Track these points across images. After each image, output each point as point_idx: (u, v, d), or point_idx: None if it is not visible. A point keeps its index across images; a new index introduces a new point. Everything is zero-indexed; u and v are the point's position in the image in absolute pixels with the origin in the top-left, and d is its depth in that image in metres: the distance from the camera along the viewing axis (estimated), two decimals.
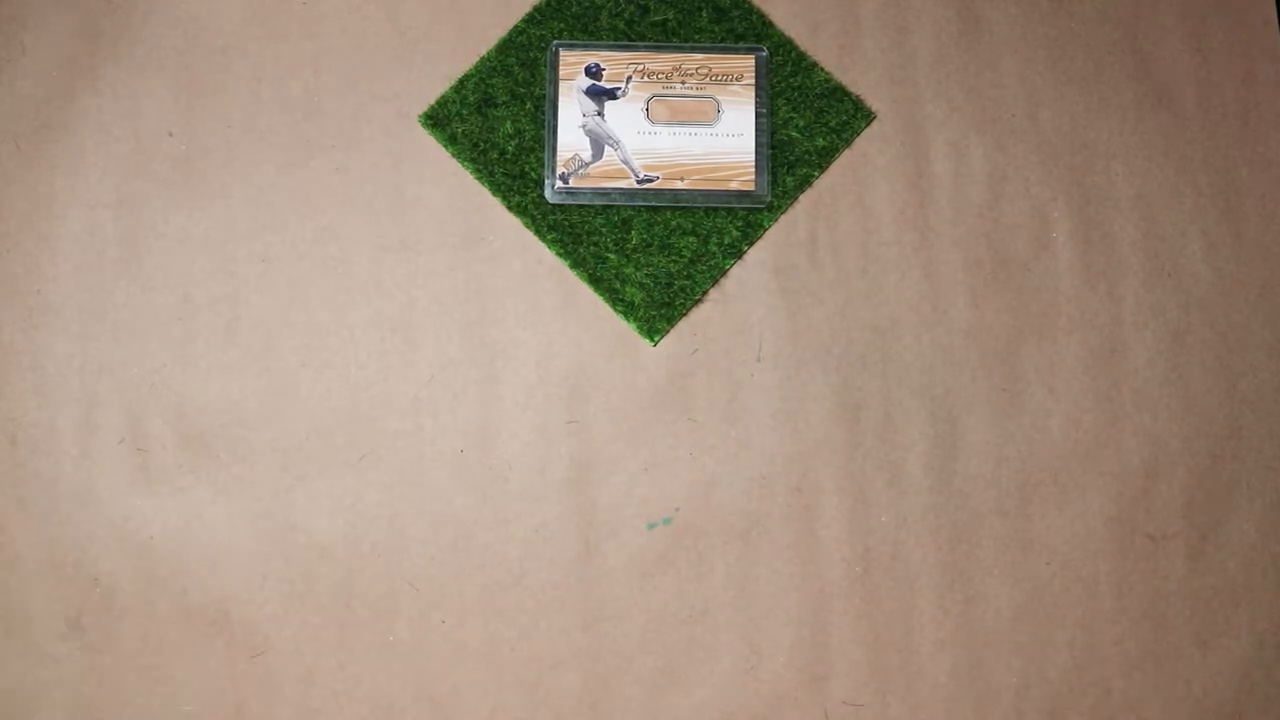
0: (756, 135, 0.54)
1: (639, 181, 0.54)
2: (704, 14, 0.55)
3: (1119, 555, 0.54)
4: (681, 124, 0.54)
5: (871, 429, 0.54)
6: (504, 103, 0.54)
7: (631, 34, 0.55)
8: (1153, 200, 0.56)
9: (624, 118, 0.54)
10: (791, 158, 0.55)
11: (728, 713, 0.52)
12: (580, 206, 0.54)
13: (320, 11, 0.55)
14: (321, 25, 0.55)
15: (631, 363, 0.54)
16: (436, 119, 0.54)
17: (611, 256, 0.54)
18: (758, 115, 0.54)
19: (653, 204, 0.54)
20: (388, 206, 0.54)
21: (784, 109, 0.55)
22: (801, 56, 0.55)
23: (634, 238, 0.54)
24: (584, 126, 0.54)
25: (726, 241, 0.54)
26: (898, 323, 0.54)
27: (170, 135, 0.54)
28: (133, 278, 0.53)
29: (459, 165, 0.54)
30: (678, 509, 0.53)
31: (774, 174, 0.55)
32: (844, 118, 0.55)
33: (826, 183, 0.55)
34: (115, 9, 0.54)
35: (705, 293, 0.54)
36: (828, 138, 0.55)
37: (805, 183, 0.55)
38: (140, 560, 0.52)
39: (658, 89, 0.54)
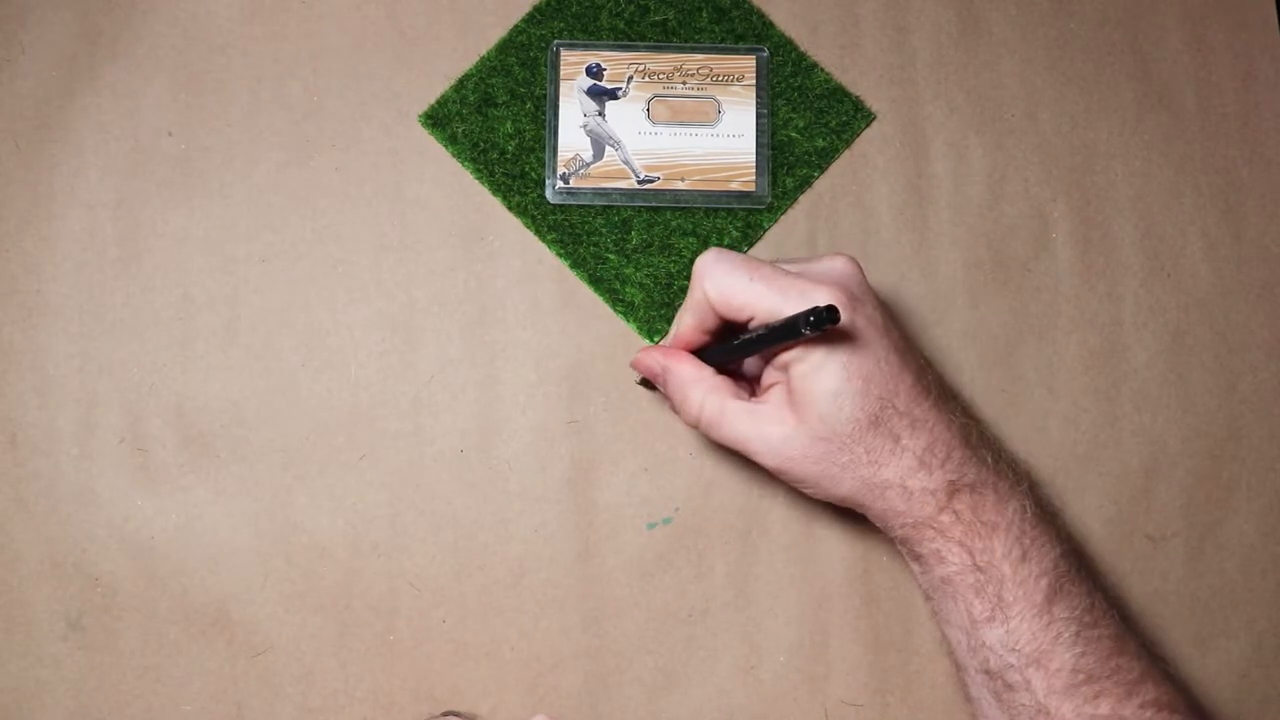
0: (757, 136, 0.54)
1: (640, 182, 0.54)
2: (704, 14, 0.55)
3: (1118, 555, 0.54)
4: (682, 124, 0.54)
5: None
6: (504, 103, 0.54)
7: (632, 34, 0.55)
8: (1153, 200, 0.56)
9: (625, 118, 0.54)
10: (791, 158, 0.55)
11: (728, 713, 0.52)
12: (580, 206, 0.54)
13: (320, 11, 0.55)
14: (321, 25, 0.55)
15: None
16: (436, 119, 0.54)
17: (611, 257, 0.54)
18: (759, 116, 0.54)
19: (653, 204, 0.54)
20: (388, 206, 0.54)
21: (784, 109, 0.55)
22: (801, 57, 0.55)
23: (634, 238, 0.54)
24: (585, 126, 0.54)
25: (726, 242, 0.54)
26: (896, 323, 0.54)
27: (169, 135, 0.54)
28: (133, 277, 0.53)
29: (459, 165, 0.54)
30: (678, 509, 0.53)
31: (774, 175, 0.55)
32: (844, 118, 0.55)
33: (826, 183, 0.55)
34: (115, 9, 0.54)
35: None
36: (828, 138, 0.55)
37: (805, 183, 0.55)
38: (140, 560, 0.52)
39: (658, 89, 0.54)
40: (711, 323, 0.46)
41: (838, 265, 0.46)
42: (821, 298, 0.42)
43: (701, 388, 0.46)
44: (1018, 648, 0.43)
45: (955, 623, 0.45)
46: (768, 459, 0.45)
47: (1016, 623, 0.43)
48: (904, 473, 0.44)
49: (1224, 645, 0.54)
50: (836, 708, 0.53)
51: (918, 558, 0.46)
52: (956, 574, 0.44)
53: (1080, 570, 0.46)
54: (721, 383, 0.46)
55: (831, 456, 0.44)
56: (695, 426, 0.47)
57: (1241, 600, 0.54)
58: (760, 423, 0.44)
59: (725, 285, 0.44)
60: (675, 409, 0.48)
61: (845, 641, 0.53)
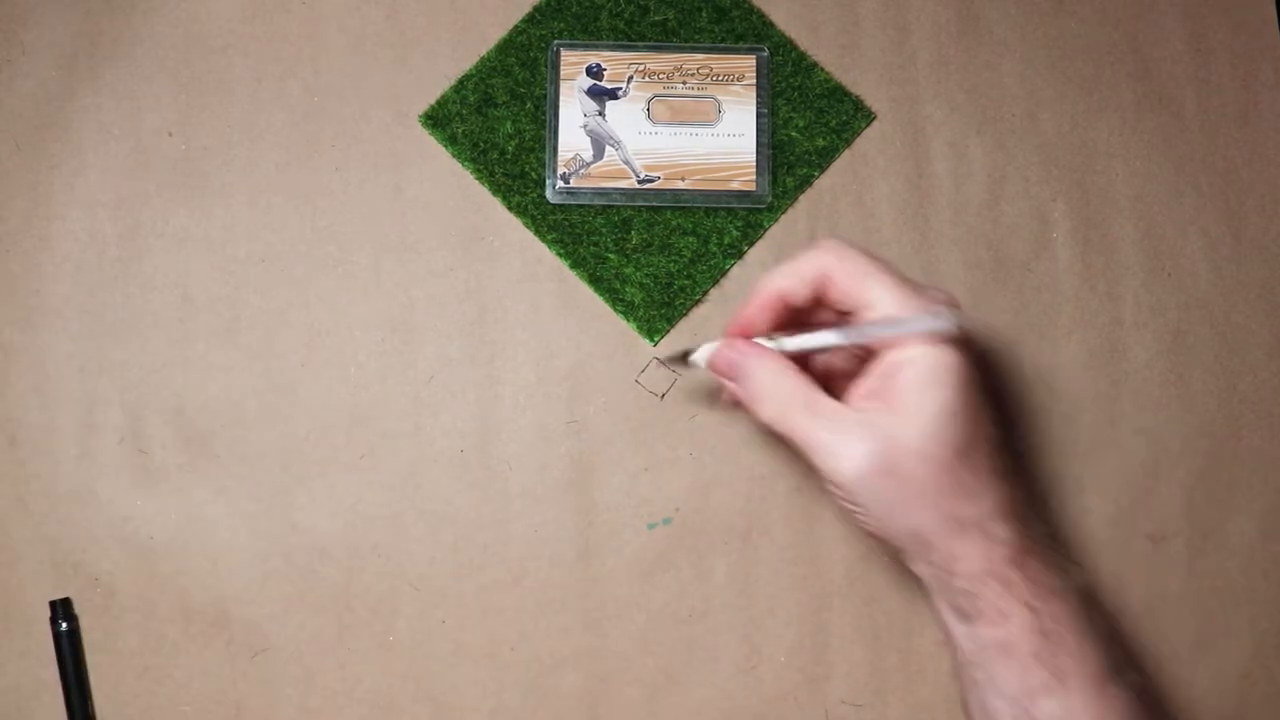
0: (758, 135, 0.54)
1: (640, 181, 0.54)
2: (704, 14, 0.55)
3: (1119, 555, 0.54)
4: (683, 124, 0.54)
5: None
6: (504, 103, 0.54)
7: (631, 34, 0.55)
8: (1153, 200, 0.56)
9: (625, 118, 0.54)
10: (791, 158, 0.55)
11: (728, 713, 0.52)
12: (580, 206, 0.54)
13: (320, 11, 0.55)
14: (321, 25, 0.55)
15: (631, 363, 0.54)
16: (436, 119, 0.54)
17: (611, 256, 0.54)
18: (759, 115, 0.54)
19: (653, 204, 0.54)
20: (388, 206, 0.54)
21: (784, 109, 0.55)
22: (801, 56, 0.55)
23: (634, 238, 0.54)
24: (585, 126, 0.54)
25: (726, 241, 0.54)
26: None
27: (170, 135, 0.54)
28: (133, 277, 0.53)
29: (459, 165, 0.54)
30: (678, 509, 0.53)
31: (774, 174, 0.55)
32: (844, 118, 0.55)
33: (826, 183, 0.55)
34: (115, 9, 0.54)
35: (705, 293, 0.54)
36: (828, 138, 0.55)
37: (805, 183, 0.55)
38: (140, 560, 0.52)
39: (659, 89, 0.54)
40: (799, 299, 0.44)
41: (942, 297, 0.44)
42: (939, 305, 0.41)
43: (789, 384, 0.43)
44: None
45: (1004, 692, 0.42)
46: (845, 466, 0.41)
47: (1075, 695, 0.41)
48: (985, 515, 0.41)
49: (1224, 645, 0.54)
50: (836, 708, 0.53)
51: (972, 616, 0.42)
52: (1017, 636, 0.42)
53: (1131, 649, 0.44)
54: (810, 383, 0.43)
55: (923, 479, 0.41)
56: (773, 424, 0.43)
57: (1241, 600, 0.54)
58: (853, 428, 0.41)
59: (854, 269, 0.42)
60: (748, 404, 0.45)
61: (845, 641, 0.53)
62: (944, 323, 0.38)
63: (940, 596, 0.44)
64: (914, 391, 0.41)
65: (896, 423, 0.41)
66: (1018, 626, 0.42)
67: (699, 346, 0.48)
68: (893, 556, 0.51)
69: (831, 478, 0.42)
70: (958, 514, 0.41)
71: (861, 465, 0.41)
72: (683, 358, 0.49)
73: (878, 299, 0.42)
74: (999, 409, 0.54)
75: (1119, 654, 0.43)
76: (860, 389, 0.43)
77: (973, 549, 0.42)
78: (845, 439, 0.41)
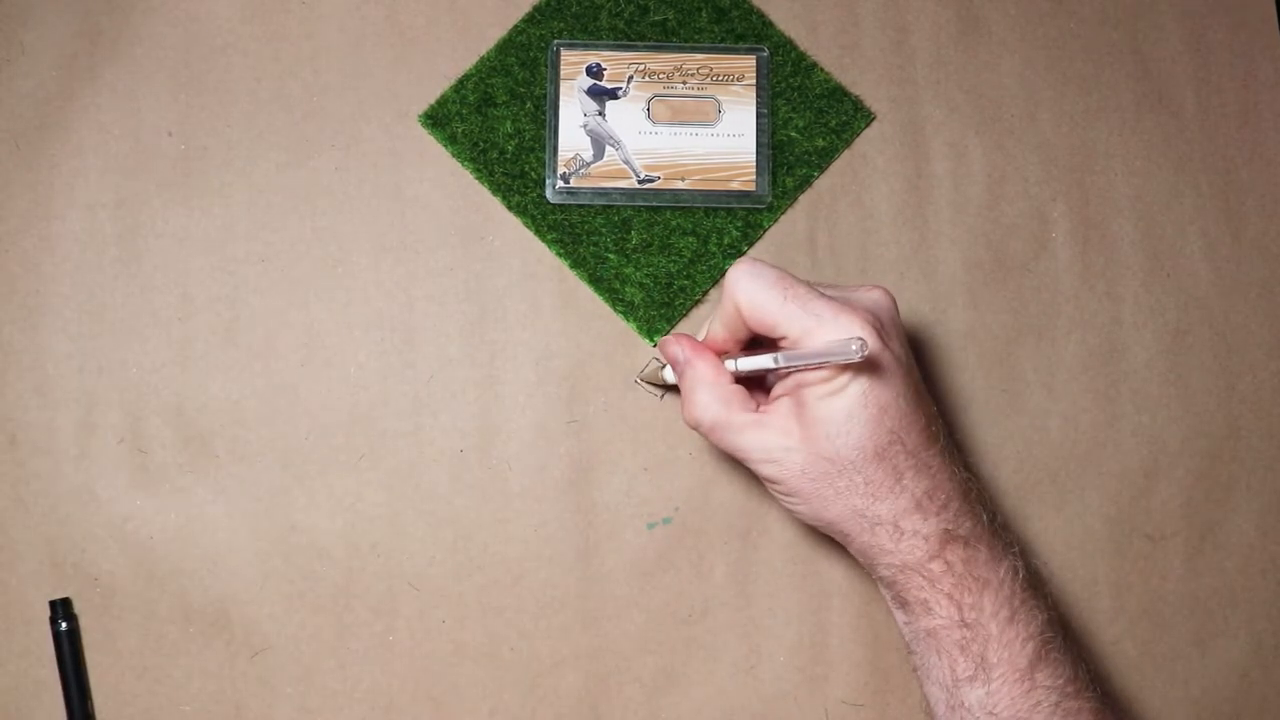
0: (758, 135, 0.54)
1: (640, 181, 0.54)
2: (704, 14, 0.55)
3: (1117, 555, 0.54)
4: (683, 124, 0.54)
5: None
6: (504, 103, 0.54)
7: (632, 34, 0.55)
8: (1152, 200, 0.56)
9: (625, 117, 0.54)
10: (791, 158, 0.55)
11: (728, 713, 0.52)
12: (580, 206, 0.54)
13: (320, 11, 0.55)
14: (321, 25, 0.55)
15: (631, 363, 0.54)
16: (436, 119, 0.54)
17: (611, 256, 0.54)
18: (759, 115, 0.54)
19: (653, 204, 0.54)
20: (388, 206, 0.54)
21: (783, 109, 0.55)
22: (801, 57, 0.55)
23: (634, 238, 0.54)
24: (585, 126, 0.54)
25: (726, 242, 0.54)
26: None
27: (169, 135, 0.54)
28: (132, 277, 0.53)
29: (459, 165, 0.54)
30: (678, 509, 0.53)
31: (774, 174, 0.55)
32: (844, 118, 0.55)
33: (826, 183, 0.55)
34: (115, 9, 0.54)
35: (705, 293, 0.54)
36: (827, 138, 0.55)
37: (805, 183, 0.55)
38: (140, 560, 0.52)
39: (659, 89, 0.54)
40: (743, 333, 0.45)
41: (873, 295, 0.45)
42: (854, 324, 0.42)
43: (712, 393, 0.45)
44: (996, 711, 0.43)
45: (936, 679, 0.44)
46: (764, 469, 0.44)
47: (998, 685, 0.43)
48: (899, 512, 0.43)
49: (1224, 645, 0.54)
50: (836, 708, 0.53)
51: (904, 604, 0.45)
52: (943, 627, 0.43)
53: (1065, 640, 0.45)
54: (734, 393, 0.45)
55: (829, 478, 0.43)
56: (694, 428, 0.46)
57: (1241, 600, 0.54)
58: (764, 433, 0.44)
59: (758, 302, 0.43)
60: (681, 403, 0.47)
61: (845, 641, 0.53)
62: (855, 354, 0.40)
63: (878, 585, 0.46)
64: (816, 400, 0.43)
65: (803, 429, 0.43)
66: (943, 619, 0.43)
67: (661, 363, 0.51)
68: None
69: (756, 473, 0.45)
70: (868, 512, 0.43)
71: (775, 466, 0.44)
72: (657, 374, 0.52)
73: (786, 330, 0.43)
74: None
75: (1047, 643, 0.44)
76: (774, 394, 0.46)
77: (889, 544, 0.44)
78: (759, 445, 0.44)
